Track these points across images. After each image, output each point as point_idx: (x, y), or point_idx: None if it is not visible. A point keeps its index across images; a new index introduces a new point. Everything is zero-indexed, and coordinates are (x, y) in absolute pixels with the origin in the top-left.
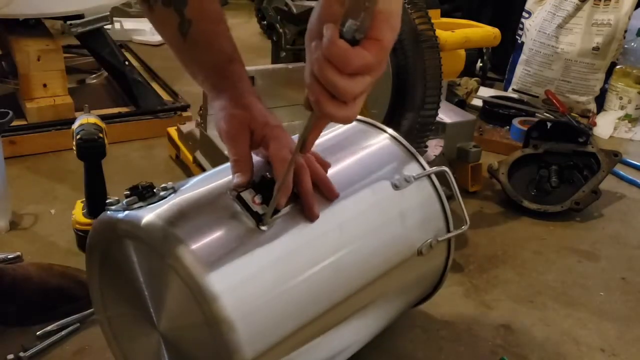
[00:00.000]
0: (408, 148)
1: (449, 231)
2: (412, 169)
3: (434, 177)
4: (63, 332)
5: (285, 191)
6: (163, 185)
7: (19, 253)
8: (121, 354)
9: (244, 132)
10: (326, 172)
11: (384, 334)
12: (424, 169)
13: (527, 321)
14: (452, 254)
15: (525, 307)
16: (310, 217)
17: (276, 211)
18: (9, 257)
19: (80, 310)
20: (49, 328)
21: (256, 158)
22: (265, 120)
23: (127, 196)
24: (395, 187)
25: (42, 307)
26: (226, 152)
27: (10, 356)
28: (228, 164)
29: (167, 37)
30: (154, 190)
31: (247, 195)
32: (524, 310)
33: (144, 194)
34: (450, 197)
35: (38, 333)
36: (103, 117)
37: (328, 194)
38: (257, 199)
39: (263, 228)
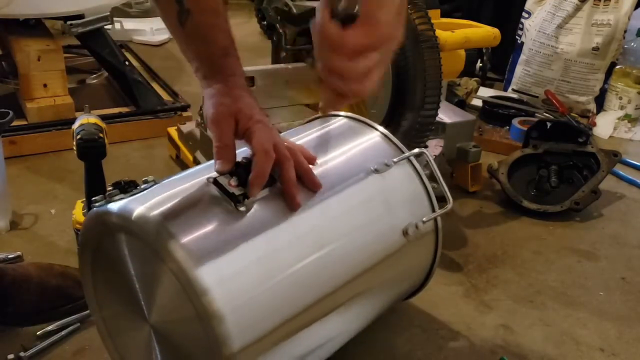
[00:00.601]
0: (397, 145)
1: (433, 212)
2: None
3: (415, 162)
4: (63, 332)
5: (258, 182)
6: (144, 178)
7: (19, 253)
8: (115, 350)
9: (229, 120)
10: (313, 165)
11: (382, 332)
12: (416, 170)
13: (527, 321)
14: (440, 239)
15: (525, 307)
16: (292, 206)
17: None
18: (9, 257)
19: (80, 310)
20: (49, 328)
21: (238, 146)
22: (251, 114)
23: (109, 191)
24: (376, 171)
25: (42, 307)
26: None
27: (11, 356)
28: (210, 162)
29: (168, 24)
30: (137, 186)
31: (222, 179)
32: (524, 310)
33: (126, 188)
34: (442, 199)
35: (38, 333)
36: (103, 117)
37: (310, 185)
38: (233, 182)
39: (241, 209)
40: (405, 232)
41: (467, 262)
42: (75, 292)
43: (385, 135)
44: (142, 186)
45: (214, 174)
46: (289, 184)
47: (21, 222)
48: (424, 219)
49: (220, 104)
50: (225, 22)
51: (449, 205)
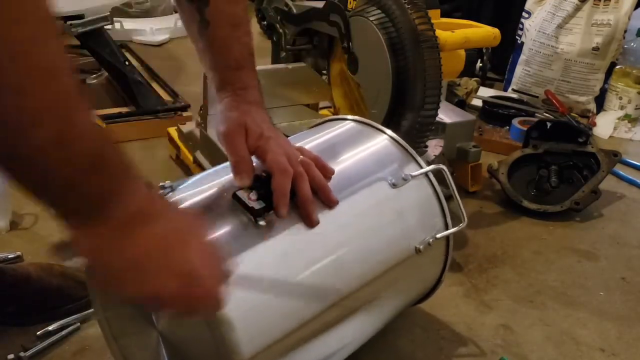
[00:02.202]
0: (407, 149)
1: (446, 229)
2: (411, 169)
3: (431, 175)
4: (63, 332)
5: (283, 202)
6: (161, 184)
7: (19, 253)
8: (120, 352)
9: (240, 134)
10: (329, 178)
11: (383, 333)
12: (429, 178)
13: (527, 321)
14: (450, 252)
15: (525, 307)
16: (309, 224)
17: (271, 206)
18: (9, 257)
19: (80, 310)
20: (49, 328)
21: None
22: (259, 130)
23: None
24: (393, 185)
25: (42, 307)
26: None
27: (11, 356)
28: (225, 164)
29: (190, 33)
30: None
31: (242, 193)
32: (524, 310)
33: None
34: (449, 197)
35: (38, 333)
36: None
37: (326, 201)
38: (253, 195)
39: (261, 223)
40: (418, 250)
41: (467, 262)
42: (75, 292)
43: (393, 139)
44: (159, 192)
45: (232, 186)
46: (304, 201)
47: (21, 222)
48: (437, 235)
49: (228, 119)
50: (245, 34)
51: (463, 224)
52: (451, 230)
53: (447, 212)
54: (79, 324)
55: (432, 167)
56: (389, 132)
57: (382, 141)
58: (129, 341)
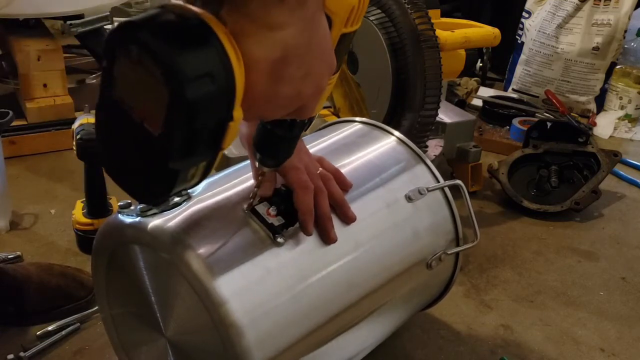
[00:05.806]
0: (420, 155)
1: (458, 245)
2: (423, 176)
3: (447, 190)
4: (63, 332)
5: (309, 219)
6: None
7: (19, 253)
8: (125, 355)
9: None
10: (347, 192)
11: None
12: (435, 175)
13: (527, 321)
14: (459, 265)
15: (525, 306)
16: (327, 241)
17: (290, 222)
18: (9, 257)
19: (80, 310)
20: (49, 328)
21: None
22: None
23: None
24: (409, 199)
25: (42, 307)
26: (226, 153)
27: (10, 356)
28: (238, 166)
29: None
30: None
31: (261, 207)
32: (524, 310)
33: None
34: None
35: (38, 333)
36: None
37: (343, 218)
38: (272, 211)
39: (280, 240)
40: (429, 265)
41: (467, 262)
42: (75, 292)
43: (402, 141)
44: (175, 199)
45: (248, 196)
46: (322, 218)
47: (21, 222)
48: (449, 252)
49: (253, 125)
50: None
51: (476, 241)
52: (463, 247)
53: (459, 227)
54: (79, 324)
55: (449, 182)
56: (396, 133)
57: (391, 144)
58: (135, 347)
